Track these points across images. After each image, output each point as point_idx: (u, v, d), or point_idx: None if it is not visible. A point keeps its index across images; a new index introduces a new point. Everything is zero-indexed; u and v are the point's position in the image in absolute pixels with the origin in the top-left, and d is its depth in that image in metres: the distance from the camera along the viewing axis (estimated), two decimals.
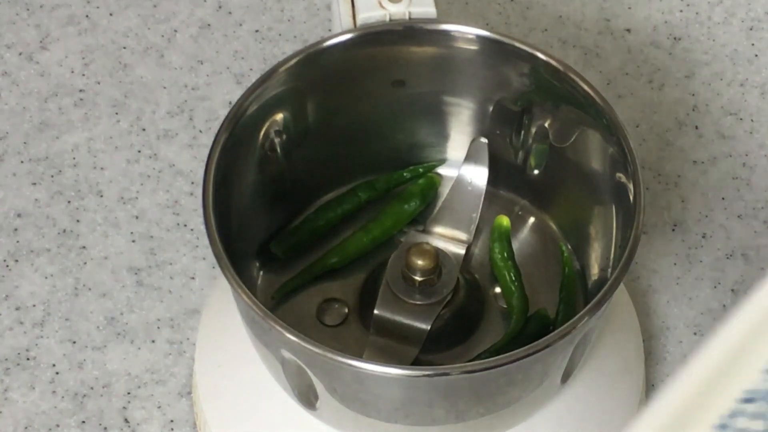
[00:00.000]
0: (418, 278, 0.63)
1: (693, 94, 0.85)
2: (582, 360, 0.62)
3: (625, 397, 0.68)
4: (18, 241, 0.78)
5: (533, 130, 0.66)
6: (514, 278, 0.66)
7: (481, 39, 0.64)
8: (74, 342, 0.74)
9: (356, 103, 0.67)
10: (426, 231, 0.68)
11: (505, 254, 0.66)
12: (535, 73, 0.64)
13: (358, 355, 0.60)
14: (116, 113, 0.83)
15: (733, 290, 0.76)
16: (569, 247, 0.67)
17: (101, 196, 0.80)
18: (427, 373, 0.55)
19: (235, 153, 0.62)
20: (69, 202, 0.79)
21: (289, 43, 0.87)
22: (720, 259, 0.77)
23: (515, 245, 0.67)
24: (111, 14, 0.89)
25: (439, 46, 0.65)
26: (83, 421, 0.71)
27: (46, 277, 0.76)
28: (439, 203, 0.69)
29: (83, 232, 0.78)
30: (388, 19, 0.65)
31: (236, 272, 0.57)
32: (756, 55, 0.87)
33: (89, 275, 0.76)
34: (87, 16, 0.89)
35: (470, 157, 0.68)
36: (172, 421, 0.71)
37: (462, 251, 0.67)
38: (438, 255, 0.63)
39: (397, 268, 0.64)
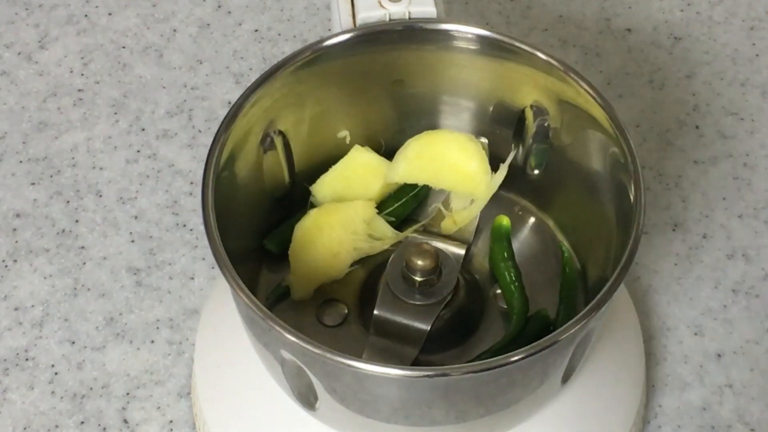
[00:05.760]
0: (418, 278, 0.63)
1: (693, 94, 0.84)
2: (582, 360, 0.62)
3: (625, 397, 0.68)
4: (17, 241, 0.77)
5: (533, 130, 0.66)
6: (514, 278, 0.65)
7: (481, 39, 0.64)
8: (73, 342, 0.74)
9: (356, 102, 0.67)
10: (426, 231, 0.68)
11: (505, 254, 0.66)
12: (535, 73, 0.64)
13: (358, 356, 0.60)
14: (115, 113, 0.83)
15: (733, 290, 0.76)
16: (569, 247, 0.67)
17: (100, 196, 0.79)
18: (427, 373, 0.54)
19: (235, 153, 0.62)
20: (68, 202, 0.79)
21: (288, 42, 0.87)
22: (720, 260, 0.77)
23: (515, 245, 0.67)
24: (110, 14, 0.89)
25: (439, 46, 0.65)
26: (82, 422, 0.71)
27: (45, 278, 0.76)
28: (439, 203, 0.69)
29: (82, 232, 0.78)
30: (387, 18, 0.65)
31: (236, 272, 0.57)
32: (757, 55, 0.87)
33: (88, 275, 0.76)
34: (86, 15, 0.88)
35: None
36: (171, 421, 0.71)
37: (462, 251, 0.66)
38: (438, 255, 0.63)
39: (397, 268, 0.63)
